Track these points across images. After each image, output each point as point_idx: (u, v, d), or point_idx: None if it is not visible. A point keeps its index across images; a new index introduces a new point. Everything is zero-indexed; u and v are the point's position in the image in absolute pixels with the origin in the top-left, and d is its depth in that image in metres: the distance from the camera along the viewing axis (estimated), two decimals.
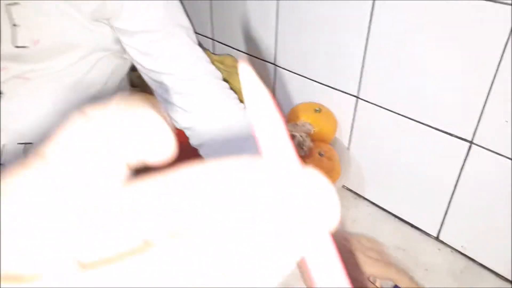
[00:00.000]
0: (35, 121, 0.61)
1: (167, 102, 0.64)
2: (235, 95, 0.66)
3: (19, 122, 0.61)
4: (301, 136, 0.71)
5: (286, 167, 0.11)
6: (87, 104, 0.12)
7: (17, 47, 0.53)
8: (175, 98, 0.63)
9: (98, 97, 0.66)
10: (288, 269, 0.11)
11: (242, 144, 0.62)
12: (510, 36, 0.51)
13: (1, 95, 0.58)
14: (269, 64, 0.86)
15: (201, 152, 0.65)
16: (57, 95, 0.62)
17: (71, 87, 0.62)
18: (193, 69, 0.62)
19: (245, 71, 0.12)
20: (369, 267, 0.57)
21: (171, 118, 0.66)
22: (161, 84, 0.63)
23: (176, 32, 0.61)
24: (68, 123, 0.13)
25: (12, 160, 0.60)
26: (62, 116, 0.12)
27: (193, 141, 0.66)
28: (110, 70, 0.66)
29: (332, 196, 0.11)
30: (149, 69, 0.62)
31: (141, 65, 0.63)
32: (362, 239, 0.65)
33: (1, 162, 0.61)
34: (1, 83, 0.57)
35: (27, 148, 0.61)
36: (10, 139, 0.61)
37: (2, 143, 0.60)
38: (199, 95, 0.62)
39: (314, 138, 0.75)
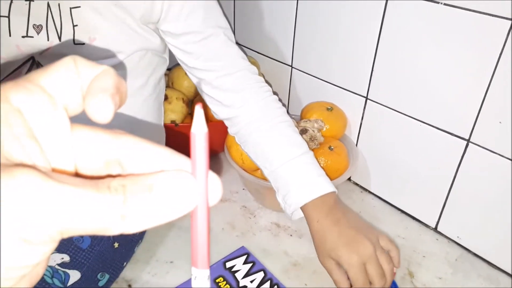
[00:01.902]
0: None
1: (208, 96, 0.70)
2: (268, 88, 0.72)
3: None
4: (313, 130, 0.78)
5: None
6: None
7: (76, 44, 0.60)
8: (215, 92, 0.69)
9: (139, 94, 0.71)
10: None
11: (275, 132, 0.68)
12: (505, 44, 0.57)
13: None
14: (286, 66, 0.93)
15: (237, 139, 0.72)
16: None
17: None
18: (231, 65, 0.68)
19: (198, 114, 0.15)
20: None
21: (211, 111, 0.72)
22: (202, 80, 0.69)
23: (215, 33, 0.66)
24: (61, 64, 0.17)
25: None
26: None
27: (231, 130, 0.73)
28: (152, 68, 0.72)
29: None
30: (191, 67, 0.68)
31: (184, 63, 0.69)
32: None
33: None
34: None
35: None
36: None
37: None
38: (237, 89, 0.68)
39: (325, 134, 0.82)
